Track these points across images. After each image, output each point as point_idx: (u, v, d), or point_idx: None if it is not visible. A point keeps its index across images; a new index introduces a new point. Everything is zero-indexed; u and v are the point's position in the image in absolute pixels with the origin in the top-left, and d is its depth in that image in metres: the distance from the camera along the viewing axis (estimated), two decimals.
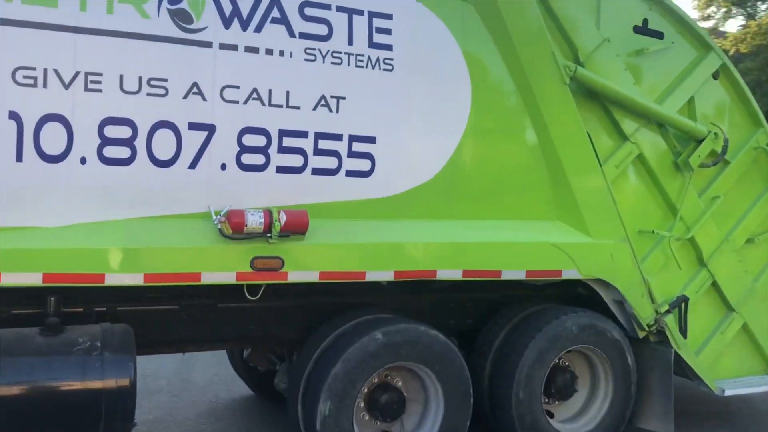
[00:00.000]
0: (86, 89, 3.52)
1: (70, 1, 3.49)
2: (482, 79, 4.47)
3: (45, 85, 3.45)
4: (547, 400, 4.96)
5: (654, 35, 5.18)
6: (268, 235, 3.82)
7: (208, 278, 3.82)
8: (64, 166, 3.52)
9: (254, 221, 3.78)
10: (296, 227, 3.89)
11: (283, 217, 3.85)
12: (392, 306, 4.77)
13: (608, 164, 4.94)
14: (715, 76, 5.39)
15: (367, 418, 4.47)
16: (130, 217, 3.68)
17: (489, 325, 5.06)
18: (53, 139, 3.48)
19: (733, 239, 5.47)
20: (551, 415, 5.01)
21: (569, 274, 4.75)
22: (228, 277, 3.86)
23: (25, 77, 3.39)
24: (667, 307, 5.07)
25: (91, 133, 3.55)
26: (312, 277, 4.05)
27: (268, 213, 3.82)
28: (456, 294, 5.04)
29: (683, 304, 5.13)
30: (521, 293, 5.23)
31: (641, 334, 5.11)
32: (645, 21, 5.14)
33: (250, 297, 4.11)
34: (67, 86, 3.48)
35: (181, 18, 3.71)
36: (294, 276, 4.00)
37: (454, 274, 4.42)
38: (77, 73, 3.50)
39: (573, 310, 4.95)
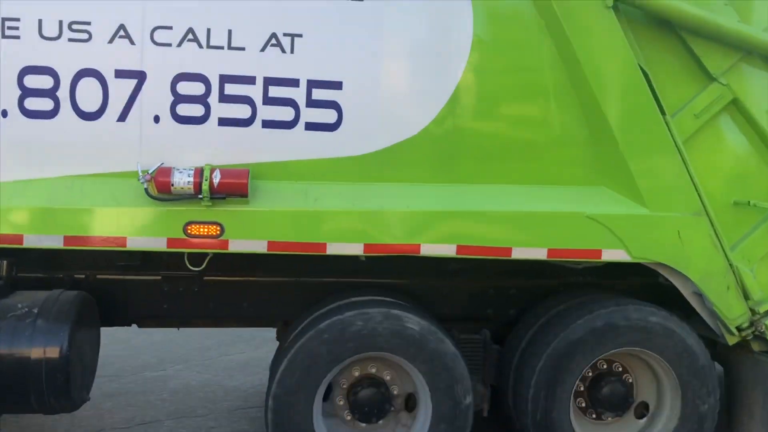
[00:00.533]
0: (3, 36, 3.27)
1: None
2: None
3: None
4: (594, 413, 3.91)
5: None
6: (200, 196, 3.31)
7: (135, 243, 3.40)
8: None
9: (182, 180, 3.29)
10: (234, 188, 3.33)
11: (218, 176, 3.31)
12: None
13: (684, 113, 3.69)
14: None
15: None
16: (54, 176, 3.37)
17: (527, 316, 4.10)
18: None
19: None
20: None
21: (614, 255, 3.63)
22: (158, 243, 3.41)
23: None
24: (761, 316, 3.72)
25: (10, 84, 3.29)
26: (259, 246, 3.45)
27: (200, 171, 3.30)
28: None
29: None
30: (586, 281, 4.19)
31: (731, 340, 3.81)
32: None
33: (191, 267, 3.63)
34: None
35: None
36: (236, 245, 3.43)
37: (446, 249, 3.55)
38: (7, 19, 3.26)
39: (621, 302, 3.82)
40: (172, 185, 3.28)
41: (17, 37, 3.28)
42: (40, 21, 3.28)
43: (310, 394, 3.54)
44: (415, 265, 3.83)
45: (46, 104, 3.32)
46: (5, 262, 3.68)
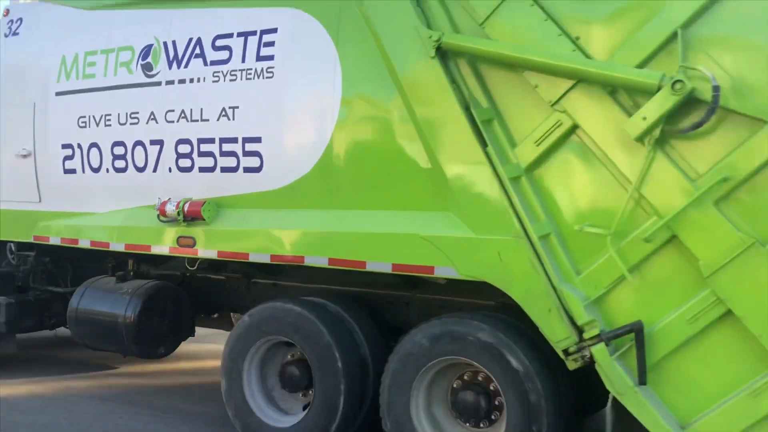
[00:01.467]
0: (105, 125, 5.57)
1: (110, 71, 5.60)
2: (352, 68, 4.45)
3: (98, 125, 5.64)
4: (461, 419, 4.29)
5: None
6: (179, 219, 5.06)
7: (155, 250, 5.33)
8: (100, 175, 5.64)
9: (171, 209, 5.09)
10: (194, 214, 5.00)
11: (187, 206, 5.03)
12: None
13: (526, 142, 3.94)
14: None
15: None
16: (126, 208, 5.53)
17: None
18: (94, 157, 5.65)
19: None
20: None
21: (445, 272, 4.10)
22: (164, 250, 5.28)
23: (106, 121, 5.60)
24: (596, 332, 3.66)
25: (107, 152, 5.57)
26: (212, 254, 5.04)
27: (179, 203, 5.06)
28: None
29: (639, 334, 3.58)
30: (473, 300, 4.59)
31: (570, 365, 3.80)
32: None
33: (189, 267, 5.37)
34: (97, 123, 5.59)
35: (147, 68, 5.37)
36: (202, 252, 5.08)
37: (320, 261, 4.56)
38: (107, 115, 5.57)
39: (451, 317, 4.21)
40: (166, 212, 5.11)
41: (109, 125, 5.55)
42: (118, 114, 5.49)
43: None
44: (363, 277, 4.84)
45: (122, 164, 5.51)
46: (131, 260, 6.01)
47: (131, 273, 5.99)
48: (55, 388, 6.53)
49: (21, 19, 6.41)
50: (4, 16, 6.52)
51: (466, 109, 4.01)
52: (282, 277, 5.51)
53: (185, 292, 5.96)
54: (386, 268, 4.35)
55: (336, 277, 4.98)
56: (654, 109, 3.47)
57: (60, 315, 6.27)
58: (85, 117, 5.68)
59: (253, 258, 4.89)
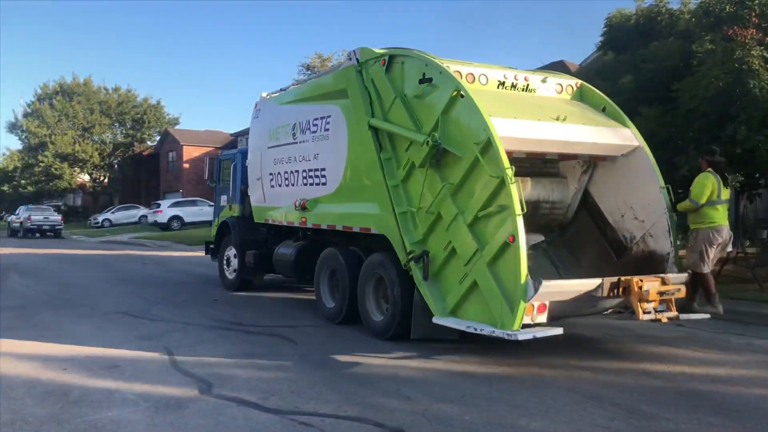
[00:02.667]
0: (282, 164, 11.30)
1: (282, 137, 11.34)
2: (353, 133, 9.27)
3: (280, 163, 11.42)
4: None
5: (427, 81, 7.99)
6: (299, 208, 10.49)
7: (295, 223, 10.83)
8: (282, 188, 11.38)
9: (297, 204, 10.57)
10: (303, 206, 10.38)
11: (299, 203, 10.44)
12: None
13: (400, 169, 8.37)
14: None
15: None
16: (288, 204, 11.14)
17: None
18: (279, 180, 11.40)
19: (465, 215, 7.27)
20: None
21: (374, 230, 8.69)
22: (295, 223, 10.74)
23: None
24: (412, 256, 7.91)
25: (283, 178, 11.26)
26: (311, 225, 10.36)
27: (297, 202, 10.48)
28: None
29: (425, 257, 7.77)
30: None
31: (411, 272, 8.09)
32: (424, 77, 8.05)
33: (307, 233, 10.79)
34: (280, 162, 11.35)
35: (293, 136, 10.90)
36: (309, 224, 10.44)
37: (340, 227, 9.52)
38: (282, 158, 11.31)
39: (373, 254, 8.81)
40: (296, 206, 10.55)
41: (283, 164, 11.25)
42: (287, 158, 11.15)
43: None
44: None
45: (287, 183, 11.14)
46: (299, 231, 11.64)
47: (299, 237, 11.58)
48: (524, 372, 6.99)
49: (260, 109, 12.57)
50: (255, 108, 12.75)
51: (378, 153, 8.59)
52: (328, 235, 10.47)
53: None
54: (357, 230, 9.14)
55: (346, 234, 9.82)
56: (421, 152, 7.74)
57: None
58: (276, 159, 11.49)
59: (321, 226, 10.06)
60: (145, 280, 15.48)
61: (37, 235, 38.13)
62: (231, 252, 13.45)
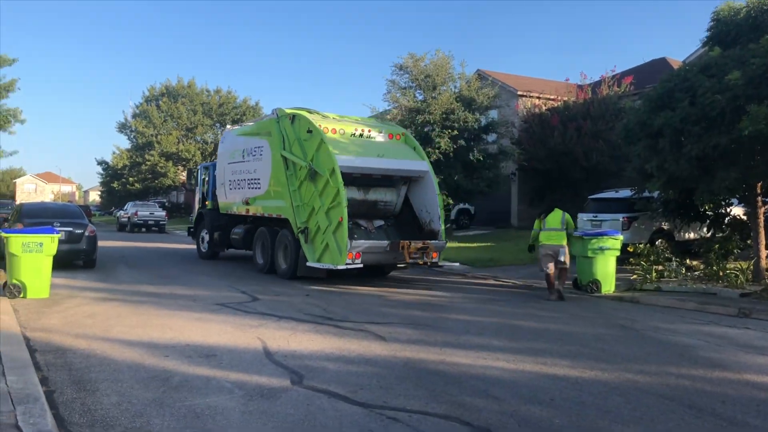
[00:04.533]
0: (235, 175, 17.58)
1: (237, 156, 17.63)
2: (274, 158, 15.48)
3: (234, 174, 17.69)
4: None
5: (309, 132, 14.26)
6: (246, 203, 16.79)
7: (241, 212, 17.17)
8: (235, 190, 17.67)
9: (245, 200, 16.86)
10: (247, 201, 16.67)
11: (247, 199, 16.74)
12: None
13: (296, 181, 14.59)
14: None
15: None
16: (237, 200, 17.44)
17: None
18: (234, 185, 17.70)
19: (323, 207, 13.50)
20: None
21: (287, 216, 14.92)
22: (243, 211, 17.08)
23: None
24: (299, 230, 14.16)
25: (235, 183, 17.55)
26: (254, 213, 16.67)
27: (246, 198, 16.78)
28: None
29: (306, 230, 14.02)
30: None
31: (299, 239, 14.32)
32: (308, 130, 14.31)
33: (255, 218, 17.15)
34: (234, 173, 17.65)
35: (243, 156, 17.17)
36: (252, 212, 16.78)
37: (267, 214, 15.82)
38: (236, 171, 17.60)
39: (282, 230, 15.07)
40: (243, 201, 16.83)
41: (237, 174, 17.53)
42: (237, 170, 17.41)
43: None
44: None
45: (238, 187, 17.38)
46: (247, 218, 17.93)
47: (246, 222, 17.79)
48: (617, 377, 6.59)
49: (225, 137, 18.96)
50: (222, 135, 19.08)
51: (285, 171, 14.86)
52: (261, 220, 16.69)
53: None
54: (275, 216, 15.44)
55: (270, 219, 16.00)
56: (304, 171, 14.08)
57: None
58: (233, 171, 17.76)
59: (257, 214, 16.31)
60: (244, 275, 16.05)
61: (143, 229, 38.96)
62: (204, 233, 19.75)
